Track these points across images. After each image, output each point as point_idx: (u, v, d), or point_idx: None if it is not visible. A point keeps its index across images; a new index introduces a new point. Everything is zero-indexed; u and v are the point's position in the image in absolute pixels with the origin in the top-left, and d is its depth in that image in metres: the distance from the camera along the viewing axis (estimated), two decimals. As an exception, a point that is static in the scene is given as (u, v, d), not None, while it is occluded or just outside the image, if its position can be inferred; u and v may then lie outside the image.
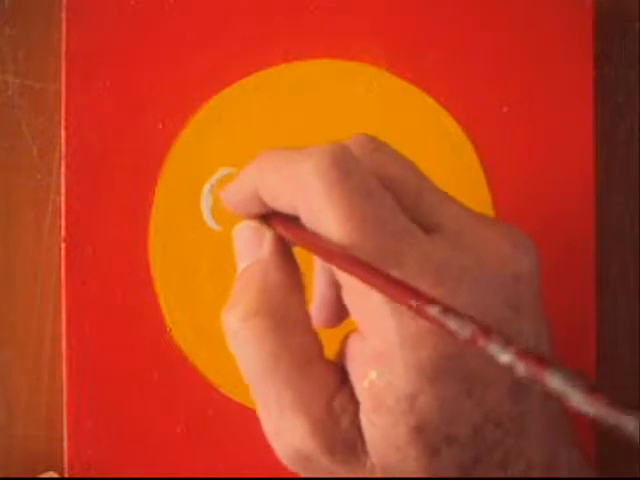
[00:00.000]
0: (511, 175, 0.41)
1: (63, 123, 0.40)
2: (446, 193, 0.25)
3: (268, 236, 0.25)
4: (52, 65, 0.41)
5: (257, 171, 0.25)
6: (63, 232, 0.40)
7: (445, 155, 0.41)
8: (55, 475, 0.41)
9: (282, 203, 0.24)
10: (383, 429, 0.22)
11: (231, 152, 0.40)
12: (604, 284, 0.42)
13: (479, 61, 0.41)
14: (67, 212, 0.40)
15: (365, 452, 0.23)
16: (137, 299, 0.40)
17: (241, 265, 0.26)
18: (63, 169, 0.40)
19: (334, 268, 0.23)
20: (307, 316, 0.25)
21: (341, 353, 0.25)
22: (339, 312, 0.27)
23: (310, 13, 0.41)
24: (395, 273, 0.22)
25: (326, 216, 0.23)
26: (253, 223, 0.26)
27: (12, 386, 0.41)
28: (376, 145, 0.25)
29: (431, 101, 0.41)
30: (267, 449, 0.41)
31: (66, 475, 0.39)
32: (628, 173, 0.44)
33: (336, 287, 0.25)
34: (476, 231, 0.24)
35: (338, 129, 0.41)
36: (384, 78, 0.41)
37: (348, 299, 0.24)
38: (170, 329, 0.40)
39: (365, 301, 0.23)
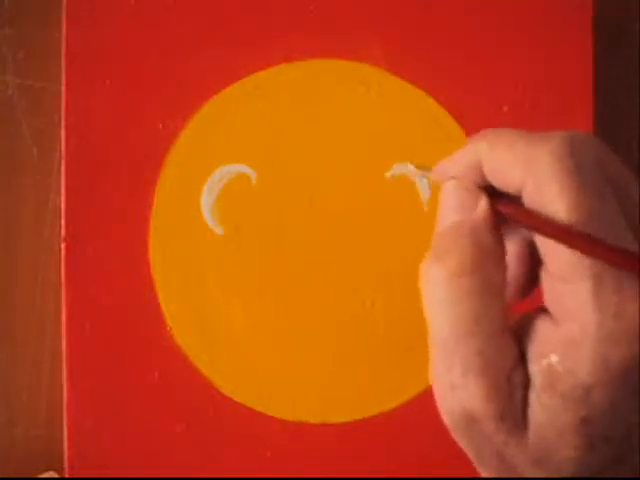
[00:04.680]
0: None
1: (63, 123, 0.40)
2: None
3: (484, 201, 0.25)
4: (52, 65, 0.41)
5: (486, 145, 0.26)
6: (63, 232, 0.40)
7: (445, 155, 0.41)
8: (55, 475, 0.41)
9: (508, 179, 0.25)
10: (551, 412, 0.23)
11: (231, 152, 0.40)
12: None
13: (479, 61, 0.41)
14: (67, 212, 0.40)
15: (526, 429, 0.23)
16: (137, 299, 0.40)
17: (446, 221, 0.26)
18: (63, 169, 0.40)
19: (544, 250, 0.24)
20: (504, 286, 0.25)
21: (520, 329, 0.25)
22: (525, 290, 0.27)
23: (310, 13, 0.41)
24: (608, 278, 0.22)
25: (555, 201, 0.23)
26: (472, 185, 0.26)
27: (12, 386, 0.41)
28: (603, 147, 0.26)
29: (431, 101, 0.41)
30: (266, 449, 0.41)
31: (66, 475, 0.39)
32: (628, 173, 0.44)
33: (529, 265, 0.26)
34: None
35: (338, 129, 0.41)
36: (384, 78, 0.41)
37: (549, 283, 0.24)
38: (170, 329, 0.40)
39: (569, 289, 0.23)
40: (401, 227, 0.41)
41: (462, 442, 0.25)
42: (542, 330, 0.24)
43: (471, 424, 0.24)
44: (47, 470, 0.41)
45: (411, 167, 0.39)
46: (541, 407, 0.23)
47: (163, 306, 0.40)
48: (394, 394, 0.41)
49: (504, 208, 0.25)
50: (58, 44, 0.40)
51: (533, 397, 0.23)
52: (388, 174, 0.41)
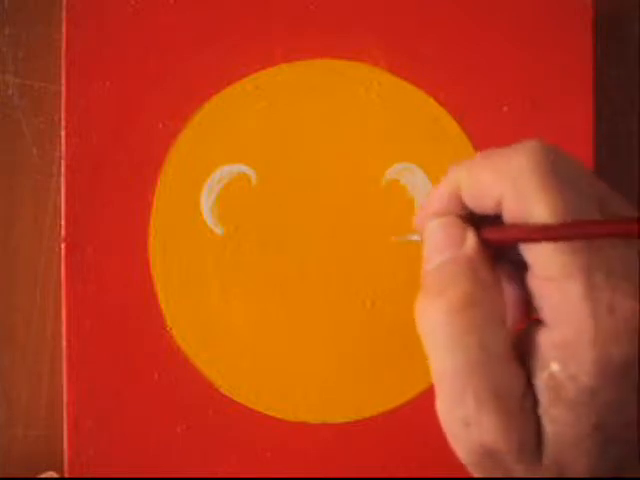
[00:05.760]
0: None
1: (63, 123, 0.40)
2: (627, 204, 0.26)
3: (471, 233, 0.25)
4: (52, 65, 0.41)
5: (464, 171, 0.26)
6: (63, 232, 0.40)
7: (445, 155, 0.41)
8: (55, 475, 0.41)
9: (487, 196, 0.25)
10: (561, 426, 0.23)
11: (231, 152, 0.40)
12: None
13: (479, 61, 0.41)
14: (67, 212, 0.40)
15: (541, 451, 0.23)
16: (137, 299, 0.40)
17: (437, 258, 0.26)
18: (63, 169, 0.40)
19: (531, 256, 0.24)
20: (505, 314, 0.25)
21: (518, 349, 0.25)
22: (525, 313, 0.27)
23: (310, 13, 0.41)
24: (599, 275, 0.22)
25: (535, 201, 0.23)
26: (452, 219, 0.26)
27: (12, 386, 0.41)
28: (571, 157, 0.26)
29: (431, 101, 0.41)
30: (266, 449, 0.41)
31: (66, 475, 0.39)
32: (628, 173, 0.44)
33: (523, 288, 0.26)
34: None
35: (338, 129, 0.41)
36: (384, 78, 0.41)
37: (539, 289, 0.24)
38: (170, 329, 0.40)
39: (560, 289, 0.23)
40: (401, 227, 0.41)
41: (476, 473, 0.25)
42: (538, 341, 0.24)
43: (488, 459, 0.24)
44: (47, 470, 0.41)
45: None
46: (552, 424, 0.23)
47: (163, 306, 0.40)
48: (394, 394, 0.41)
49: (490, 234, 0.25)
50: (58, 44, 0.40)
51: (543, 414, 0.23)
52: (387, 175, 0.41)
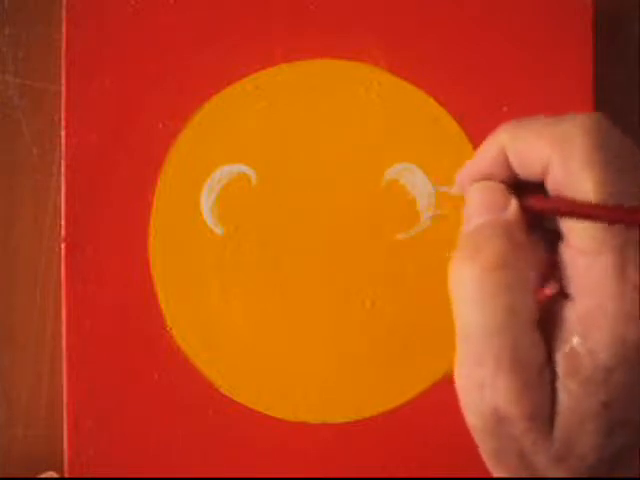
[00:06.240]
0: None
1: (63, 123, 0.40)
2: None
3: (514, 200, 0.25)
4: (52, 65, 0.41)
5: (507, 135, 0.26)
6: (63, 232, 0.40)
7: (445, 155, 0.41)
8: (55, 475, 0.41)
9: (533, 160, 0.25)
10: (575, 399, 0.23)
11: (231, 152, 0.40)
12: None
13: (479, 61, 0.41)
14: (67, 212, 0.40)
15: (552, 423, 0.23)
16: (137, 299, 0.40)
17: (476, 220, 0.26)
18: (63, 169, 0.40)
19: (567, 226, 0.24)
20: (535, 282, 0.25)
21: (542, 321, 0.25)
22: (547, 280, 0.27)
23: (310, 13, 0.41)
24: (631, 255, 0.22)
25: (582, 177, 0.23)
26: (495, 184, 0.26)
27: (12, 386, 0.41)
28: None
29: (431, 101, 0.41)
30: (266, 449, 0.41)
31: (66, 475, 0.39)
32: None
33: (552, 254, 0.26)
34: None
35: (338, 129, 0.41)
36: (384, 78, 0.41)
37: (571, 260, 0.24)
38: (170, 329, 0.40)
39: (592, 265, 0.23)
40: (401, 227, 0.41)
41: (485, 442, 0.25)
42: (562, 314, 0.24)
43: (499, 424, 0.24)
44: (47, 470, 0.41)
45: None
46: (567, 395, 0.23)
47: (163, 306, 0.40)
48: (394, 394, 0.41)
49: (534, 203, 0.25)
50: (58, 44, 0.40)
51: (560, 388, 0.23)
52: (387, 175, 0.41)
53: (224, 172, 0.40)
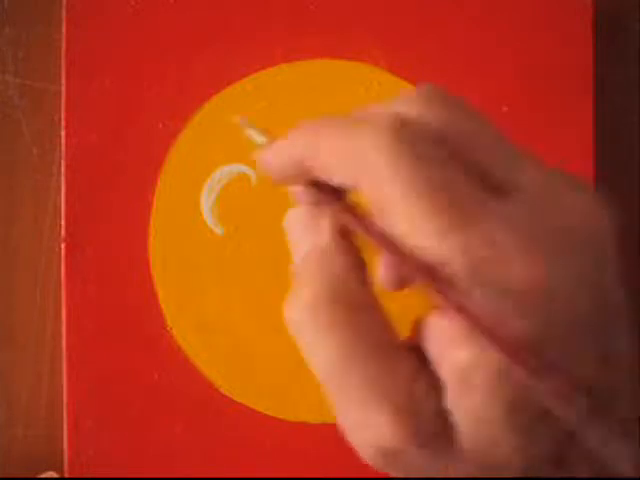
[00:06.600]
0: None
1: (63, 123, 0.40)
2: (521, 150, 0.24)
3: (325, 221, 0.24)
4: (52, 65, 0.41)
5: (309, 138, 0.24)
6: (63, 232, 0.40)
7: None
8: (55, 475, 0.41)
9: (341, 178, 0.23)
10: (475, 410, 0.21)
11: (231, 152, 0.40)
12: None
13: (479, 61, 0.41)
14: (67, 212, 0.40)
15: (454, 439, 0.22)
16: (137, 299, 0.40)
17: (299, 254, 0.24)
18: (63, 169, 0.40)
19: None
20: (377, 300, 0.24)
21: (417, 336, 0.23)
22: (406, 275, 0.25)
23: (310, 13, 0.41)
24: (476, 242, 0.20)
25: (391, 191, 0.21)
26: (309, 207, 0.24)
27: (12, 386, 0.41)
28: (444, 100, 0.24)
29: (431, 101, 0.41)
30: (266, 449, 0.41)
31: (66, 475, 0.39)
32: (628, 173, 0.44)
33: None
34: (557, 190, 0.22)
35: (338, 129, 0.41)
36: (384, 78, 0.41)
37: None
38: (170, 329, 0.40)
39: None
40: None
41: (393, 474, 0.23)
42: (442, 329, 0.22)
43: (392, 457, 0.22)
44: (47, 470, 0.41)
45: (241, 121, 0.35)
46: (464, 410, 0.21)
47: (163, 306, 0.40)
48: (394, 394, 0.41)
49: (351, 224, 0.23)
50: (58, 44, 0.40)
51: (452, 403, 0.21)
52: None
53: (224, 172, 0.40)
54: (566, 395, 0.21)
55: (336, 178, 0.23)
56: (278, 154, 0.25)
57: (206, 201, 0.40)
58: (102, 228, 0.40)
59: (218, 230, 0.40)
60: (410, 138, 0.21)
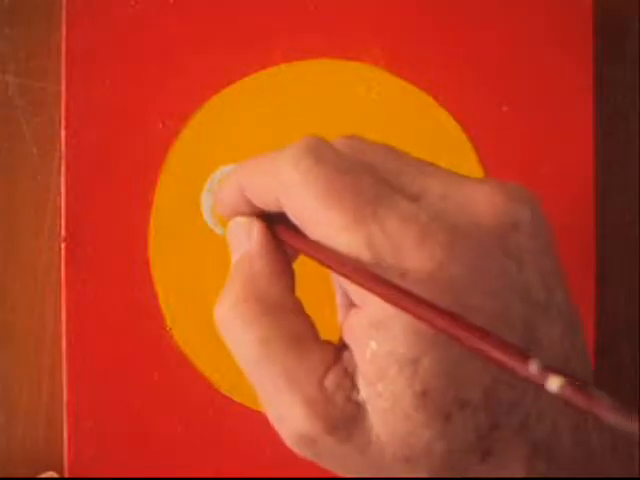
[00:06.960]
0: (511, 174, 0.41)
1: (63, 123, 0.40)
2: (430, 162, 0.25)
3: (255, 228, 0.26)
4: (52, 65, 0.41)
5: (241, 172, 0.26)
6: (63, 232, 0.40)
7: (445, 155, 0.41)
8: (55, 475, 0.41)
9: (267, 200, 0.25)
10: (389, 399, 0.22)
11: (231, 152, 0.40)
12: (604, 283, 0.42)
13: (479, 61, 0.41)
14: (67, 212, 0.40)
15: (368, 426, 0.23)
16: (137, 299, 0.40)
17: (234, 259, 0.27)
18: (63, 169, 0.40)
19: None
20: (296, 301, 0.26)
21: (343, 331, 0.25)
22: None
23: (310, 13, 0.41)
24: (378, 236, 0.22)
25: (305, 200, 0.23)
26: (243, 219, 0.27)
27: (12, 386, 0.41)
28: (353, 137, 0.26)
29: (431, 101, 0.41)
30: (266, 449, 0.41)
31: (66, 475, 0.39)
32: (628, 173, 0.44)
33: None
34: (464, 190, 0.24)
35: (338, 129, 0.41)
36: (384, 78, 0.41)
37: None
38: (170, 329, 0.40)
39: None
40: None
41: (322, 465, 0.25)
42: (356, 321, 0.23)
43: (313, 445, 0.24)
44: (47, 470, 0.41)
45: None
46: (380, 398, 0.22)
47: (163, 306, 0.40)
48: (394, 394, 0.41)
49: (282, 235, 0.26)
50: (58, 44, 0.40)
51: (368, 392, 0.22)
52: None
53: (224, 172, 0.40)
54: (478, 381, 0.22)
55: (264, 200, 0.25)
56: (226, 191, 0.27)
57: (206, 201, 0.40)
58: (102, 228, 0.40)
59: (218, 230, 0.40)
60: (319, 154, 0.23)
